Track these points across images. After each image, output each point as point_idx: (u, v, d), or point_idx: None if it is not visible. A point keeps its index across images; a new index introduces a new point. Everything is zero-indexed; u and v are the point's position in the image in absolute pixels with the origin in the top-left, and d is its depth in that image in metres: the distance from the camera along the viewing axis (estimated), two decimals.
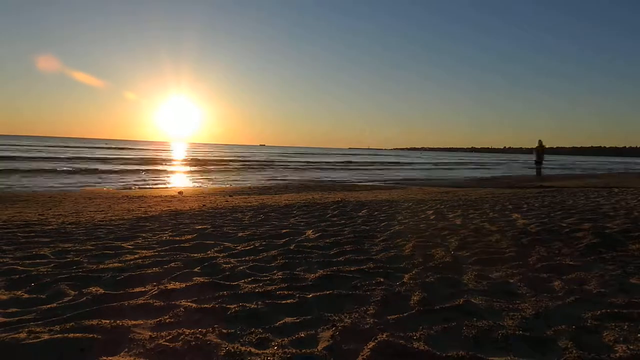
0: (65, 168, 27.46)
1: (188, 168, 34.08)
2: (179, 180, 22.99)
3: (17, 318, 2.66)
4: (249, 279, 3.52)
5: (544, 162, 25.18)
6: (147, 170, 28.87)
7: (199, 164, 40.29)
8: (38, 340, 2.28)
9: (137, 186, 18.14)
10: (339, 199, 10.60)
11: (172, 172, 29.18)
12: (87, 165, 30.78)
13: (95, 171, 26.32)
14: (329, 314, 2.73)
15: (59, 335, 2.35)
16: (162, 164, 37.13)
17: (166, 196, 12.97)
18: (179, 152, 76.24)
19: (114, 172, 26.17)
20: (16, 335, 2.33)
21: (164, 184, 20.16)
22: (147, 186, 18.37)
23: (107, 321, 2.53)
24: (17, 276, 3.52)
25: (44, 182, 18.27)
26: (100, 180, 20.39)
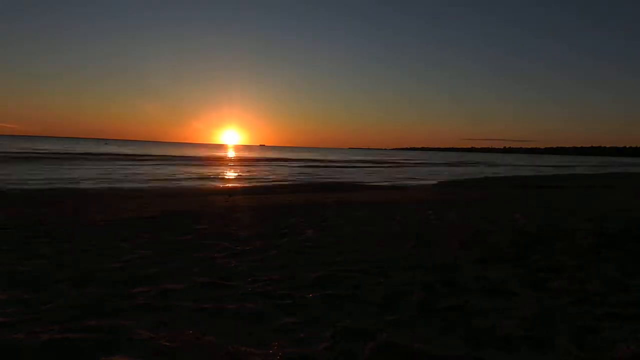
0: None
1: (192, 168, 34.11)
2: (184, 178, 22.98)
3: (17, 318, 2.65)
4: (249, 279, 3.52)
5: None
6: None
7: (203, 164, 40.35)
8: (38, 340, 2.28)
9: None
10: (340, 199, 10.59)
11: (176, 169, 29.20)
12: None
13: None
14: (329, 314, 2.74)
15: (58, 335, 2.35)
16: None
17: (166, 196, 12.97)
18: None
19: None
20: (16, 335, 2.33)
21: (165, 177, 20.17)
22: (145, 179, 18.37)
23: (107, 321, 2.53)
24: (17, 276, 3.52)
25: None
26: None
